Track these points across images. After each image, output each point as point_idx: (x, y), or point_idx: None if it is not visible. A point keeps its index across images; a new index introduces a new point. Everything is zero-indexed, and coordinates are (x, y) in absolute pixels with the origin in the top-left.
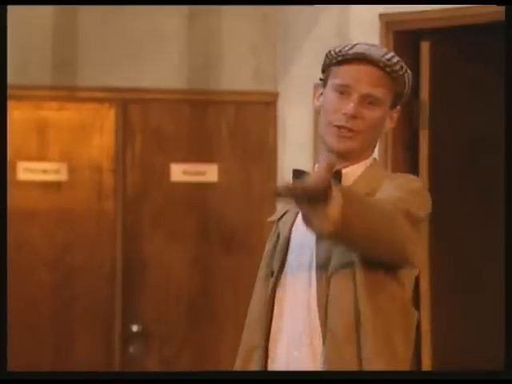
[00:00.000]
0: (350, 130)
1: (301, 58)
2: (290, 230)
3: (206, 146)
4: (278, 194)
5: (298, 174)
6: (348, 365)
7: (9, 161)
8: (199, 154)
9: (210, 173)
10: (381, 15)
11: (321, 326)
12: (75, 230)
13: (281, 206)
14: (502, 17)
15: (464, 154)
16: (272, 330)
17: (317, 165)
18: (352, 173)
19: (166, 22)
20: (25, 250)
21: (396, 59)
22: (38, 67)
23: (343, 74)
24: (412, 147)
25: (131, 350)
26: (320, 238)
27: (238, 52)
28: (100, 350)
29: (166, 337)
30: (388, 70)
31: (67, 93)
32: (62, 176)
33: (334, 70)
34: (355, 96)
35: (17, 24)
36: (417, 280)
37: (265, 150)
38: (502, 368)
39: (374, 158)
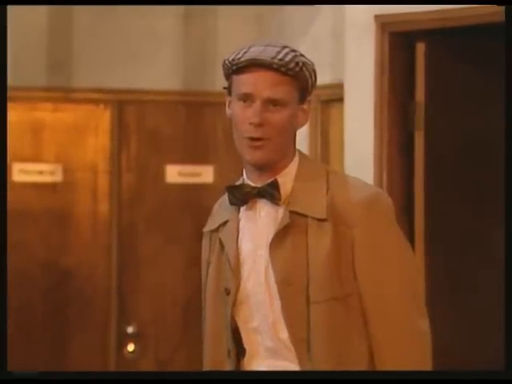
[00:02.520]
0: (259, 139)
1: None
2: (237, 241)
3: (201, 147)
4: None
5: (231, 190)
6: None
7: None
8: (195, 155)
9: (205, 174)
10: (376, 16)
11: (291, 338)
12: (70, 232)
13: (215, 214)
14: (498, 18)
15: (460, 155)
16: (245, 342)
17: (244, 174)
18: (285, 181)
19: (162, 23)
20: (20, 252)
21: (290, 56)
22: (32, 68)
23: (241, 83)
24: (407, 149)
25: (126, 350)
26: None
27: None
28: (95, 351)
29: (162, 338)
30: (283, 69)
31: (62, 94)
32: (58, 177)
33: (234, 78)
34: (257, 103)
35: (11, 25)
36: None
37: None
38: (499, 368)
39: (299, 152)
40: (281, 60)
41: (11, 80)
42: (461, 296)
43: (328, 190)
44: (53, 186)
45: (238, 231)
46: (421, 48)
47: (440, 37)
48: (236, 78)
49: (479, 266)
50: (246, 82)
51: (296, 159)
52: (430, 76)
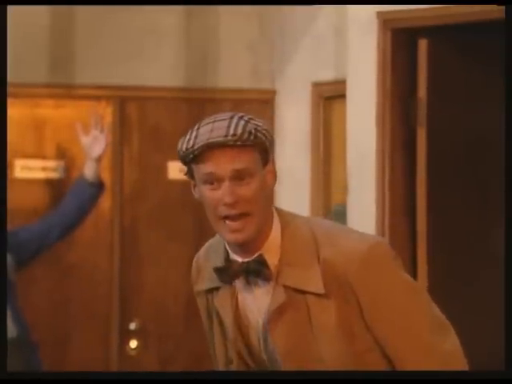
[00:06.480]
0: (238, 217)
1: (298, 56)
2: (235, 313)
3: None
4: None
5: (219, 271)
6: None
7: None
8: None
9: None
10: (378, 13)
11: None
12: None
13: (203, 270)
14: (500, 15)
15: (462, 151)
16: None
17: (227, 247)
18: (270, 250)
19: (164, 20)
20: None
21: (241, 127)
22: (34, 65)
23: (202, 166)
24: (410, 145)
25: (129, 347)
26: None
27: (235, 50)
28: (97, 348)
29: (164, 335)
30: (239, 143)
31: (64, 90)
32: (60, 174)
33: (193, 165)
34: (226, 183)
35: (13, 21)
36: (414, 279)
37: None
38: (500, 367)
39: (276, 211)
40: (234, 135)
41: (14, 77)
42: (462, 294)
43: (319, 254)
44: (55, 183)
45: (236, 302)
46: (423, 44)
47: (442, 33)
48: (195, 165)
49: (481, 264)
50: (206, 164)
51: (277, 223)
52: (432, 72)
